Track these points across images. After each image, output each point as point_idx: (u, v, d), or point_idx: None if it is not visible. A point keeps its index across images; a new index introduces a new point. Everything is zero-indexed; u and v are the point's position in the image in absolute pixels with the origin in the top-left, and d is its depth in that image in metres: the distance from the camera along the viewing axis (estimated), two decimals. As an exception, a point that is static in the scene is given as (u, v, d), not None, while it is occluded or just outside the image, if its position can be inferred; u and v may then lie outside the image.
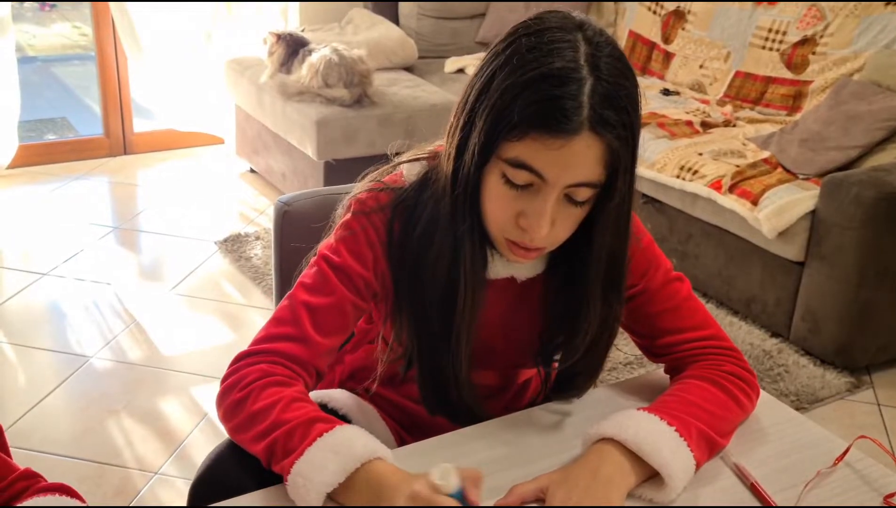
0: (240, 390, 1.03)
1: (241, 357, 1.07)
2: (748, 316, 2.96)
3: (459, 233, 1.04)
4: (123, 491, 2.11)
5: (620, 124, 0.95)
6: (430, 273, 1.06)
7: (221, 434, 1.10)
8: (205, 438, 2.28)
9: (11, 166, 3.93)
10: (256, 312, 2.97)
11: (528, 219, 0.99)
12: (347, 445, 0.95)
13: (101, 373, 2.58)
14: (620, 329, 1.18)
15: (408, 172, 1.12)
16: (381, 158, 1.19)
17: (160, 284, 3.13)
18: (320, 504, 0.93)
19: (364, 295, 1.11)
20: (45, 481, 1.01)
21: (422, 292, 1.08)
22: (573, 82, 0.93)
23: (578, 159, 0.95)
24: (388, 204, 1.09)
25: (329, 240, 1.12)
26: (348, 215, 1.11)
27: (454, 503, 0.88)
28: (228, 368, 1.07)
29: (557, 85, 0.93)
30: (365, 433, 0.99)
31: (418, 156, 1.12)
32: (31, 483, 1.00)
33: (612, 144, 0.95)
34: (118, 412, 2.40)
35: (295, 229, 1.43)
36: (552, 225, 1.00)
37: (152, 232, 3.55)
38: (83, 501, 0.99)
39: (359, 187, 1.14)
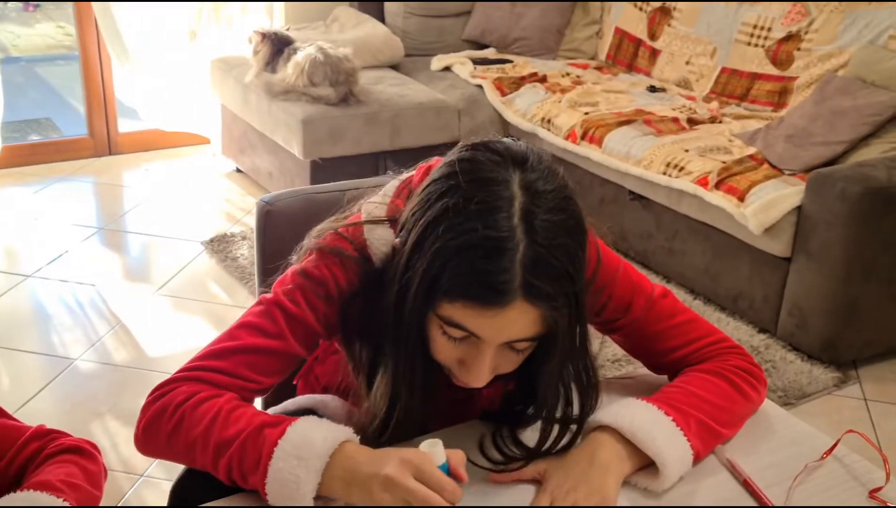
0: (169, 417, 0.98)
1: (162, 385, 1.02)
2: (735, 312, 2.97)
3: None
4: (109, 494, 2.09)
5: (556, 294, 0.92)
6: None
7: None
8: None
9: (-5, 168, 3.91)
10: (243, 312, 2.95)
11: (468, 369, 0.98)
12: (308, 445, 0.93)
13: (86, 375, 2.56)
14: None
15: (367, 214, 1.08)
16: (367, 157, 1.17)
17: (146, 285, 3.11)
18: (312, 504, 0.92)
19: (310, 346, 1.08)
20: (63, 437, 0.97)
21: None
22: (505, 253, 0.89)
23: (513, 324, 0.93)
24: (352, 260, 1.05)
25: (285, 281, 1.07)
26: (309, 261, 1.07)
27: (441, 474, 0.89)
28: (152, 392, 1.02)
29: (488, 257, 0.90)
30: (318, 421, 0.97)
31: (380, 219, 1.07)
32: (45, 442, 0.97)
33: (547, 311, 0.93)
34: (103, 414, 2.38)
35: (278, 228, 1.42)
36: (494, 369, 0.99)
37: (138, 233, 3.53)
38: (98, 458, 0.98)
39: (318, 232, 1.10)
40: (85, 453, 1.00)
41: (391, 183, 1.12)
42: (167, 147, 4.35)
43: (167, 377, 1.03)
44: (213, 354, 1.04)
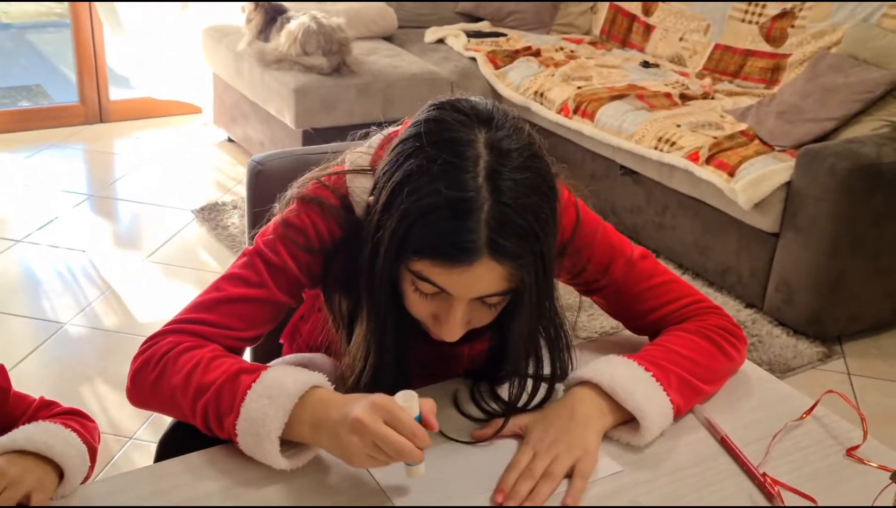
0: (153, 367, 1.00)
1: (150, 338, 1.05)
2: (723, 287, 2.99)
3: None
4: (98, 456, 2.09)
5: (522, 252, 0.93)
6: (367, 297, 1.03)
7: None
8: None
9: (-15, 133, 3.89)
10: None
11: (441, 323, 1.00)
12: (278, 386, 0.95)
13: (75, 340, 2.57)
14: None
15: (350, 163, 1.09)
16: (359, 127, 1.18)
17: (136, 252, 3.11)
18: (277, 453, 0.93)
19: (294, 293, 1.09)
20: (60, 406, 1.03)
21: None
22: (470, 213, 0.90)
23: (481, 280, 0.94)
24: (333, 210, 1.06)
25: (267, 232, 1.08)
26: (290, 211, 1.08)
27: (411, 419, 0.89)
28: (141, 345, 1.04)
29: (453, 217, 0.91)
30: (293, 368, 0.99)
31: (362, 168, 1.08)
32: (53, 408, 1.02)
33: (513, 269, 0.94)
34: (93, 378, 2.39)
35: (268, 189, 1.41)
36: (468, 323, 1.00)
37: (128, 200, 3.52)
38: (95, 423, 1.03)
39: (301, 182, 1.10)
40: (84, 416, 1.04)
41: (377, 136, 1.13)
42: (158, 116, 4.33)
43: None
44: (199, 306, 1.06)
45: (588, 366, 1.07)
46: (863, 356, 2.72)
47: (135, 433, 2.18)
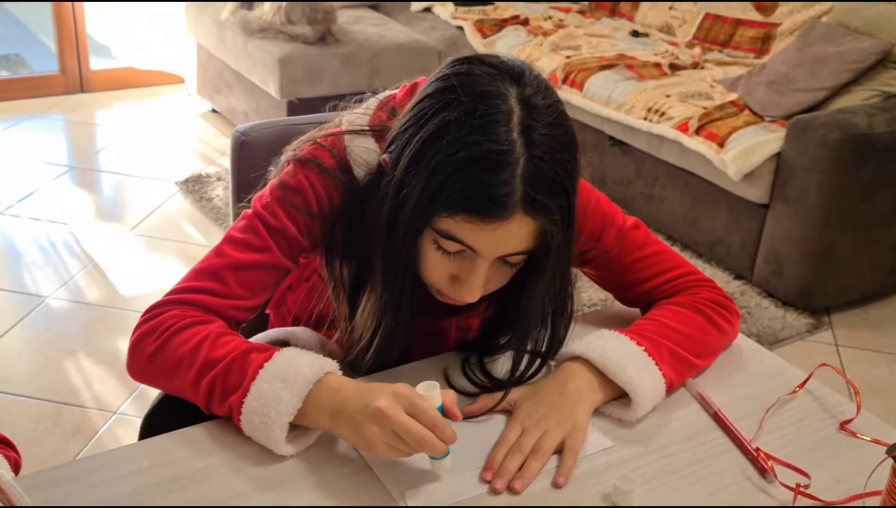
0: (156, 338, 0.98)
1: (152, 307, 1.01)
2: (712, 259, 2.98)
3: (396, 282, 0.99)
4: (82, 431, 2.08)
5: (555, 208, 0.92)
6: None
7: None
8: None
9: (-37, 104, 3.81)
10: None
11: (461, 283, 0.98)
12: (293, 370, 0.93)
13: (57, 313, 2.53)
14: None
15: (348, 124, 1.06)
16: (345, 98, 1.14)
17: (119, 224, 3.07)
18: (283, 437, 0.91)
19: (295, 257, 1.07)
20: None
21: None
22: (506, 166, 0.89)
23: (511, 237, 0.93)
24: (331, 171, 1.03)
25: (264, 196, 1.06)
26: (286, 173, 1.05)
27: (434, 410, 0.88)
28: (142, 316, 1.01)
29: (489, 170, 0.89)
30: (305, 352, 0.97)
31: (363, 128, 1.05)
32: None
33: (545, 225, 0.93)
34: (76, 352, 2.36)
35: (253, 160, 1.38)
36: (486, 284, 0.98)
37: (111, 172, 3.47)
38: (16, 454, 0.95)
39: (297, 144, 1.08)
40: (12, 447, 0.98)
41: (372, 99, 1.10)
42: (140, 86, 4.27)
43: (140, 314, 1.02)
44: (202, 273, 1.03)
45: (579, 341, 1.06)
46: (851, 328, 2.71)
47: (119, 407, 2.16)
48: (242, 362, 0.94)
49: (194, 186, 3.30)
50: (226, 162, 3.56)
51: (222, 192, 3.25)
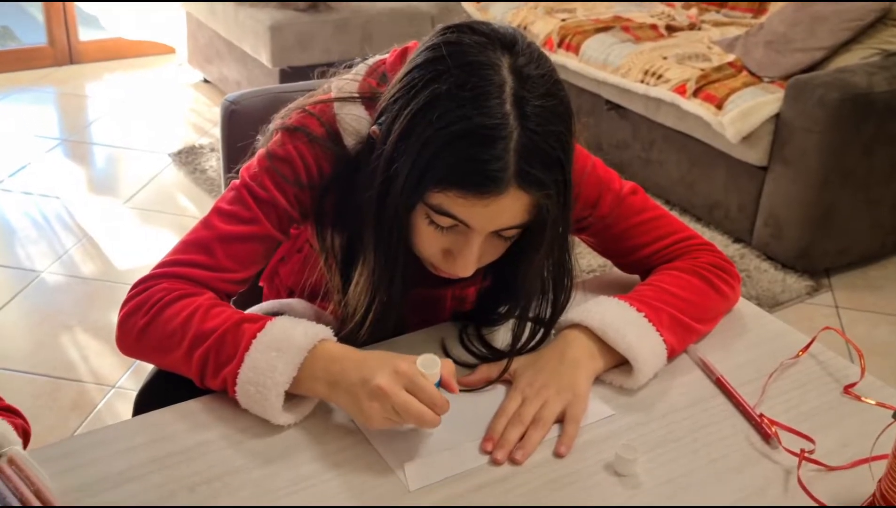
0: (145, 313, 0.96)
1: (140, 282, 1.00)
2: (711, 222, 2.96)
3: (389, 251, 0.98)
4: (80, 405, 2.07)
5: (549, 182, 0.90)
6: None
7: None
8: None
9: (-49, 77, 3.77)
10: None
11: (455, 258, 0.96)
12: (287, 338, 0.91)
13: (53, 288, 2.52)
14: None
15: (337, 91, 1.04)
16: (337, 66, 1.11)
17: (112, 197, 3.04)
18: (280, 407, 0.90)
19: (285, 229, 1.05)
20: (1, 401, 0.96)
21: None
22: (498, 141, 0.86)
23: (505, 212, 0.90)
24: (320, 140, 1.01)
25: (252, 166, 1.04)
26: (274, 142, 1.03)
27: (433, 387, 0.87)
28: (130, 291, 0.99)
29: (481, 144, 0.86)
30: (298, 320, 0.95)
31: (352, 95, 1.03)
32: None
33: (540, 198, 0.91)
34: (73, 327, 2.34)
35: (243, 129, 1.35)
36: (480, 257, 0.96)
37: (103, 144, 3.43)
38: (23, 421, 0.94)
39: (285, 113, 1.05)
40: (19, 416, 0.97)
41: (361, 64, 1.07)
42: (131, 56, 4.22)
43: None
44: (190, 246, 1.01)
45: (578, 308, 1.04)
46: (851, 289, 2.70)
47: (117, 381, 2.15)
48: (235, 333, 0.92)
49: (187, 158, 3.27)
50: (218, 133, 3.52)
51: (216, 163, 3.22)
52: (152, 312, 0.96)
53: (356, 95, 1.02)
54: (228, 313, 0.95)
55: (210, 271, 1.00)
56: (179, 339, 0.94)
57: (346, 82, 1.04)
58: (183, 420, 0.91)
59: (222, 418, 0.92)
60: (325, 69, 1.11)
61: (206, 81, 4.00)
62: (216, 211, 1.03)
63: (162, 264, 1.01)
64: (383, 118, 0.93)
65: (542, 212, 0.92)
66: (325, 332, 0.94)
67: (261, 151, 1.04)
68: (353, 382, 0.88)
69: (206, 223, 1.02)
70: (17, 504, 0.80)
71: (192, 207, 3.00)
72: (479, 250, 0.94)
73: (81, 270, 2.60)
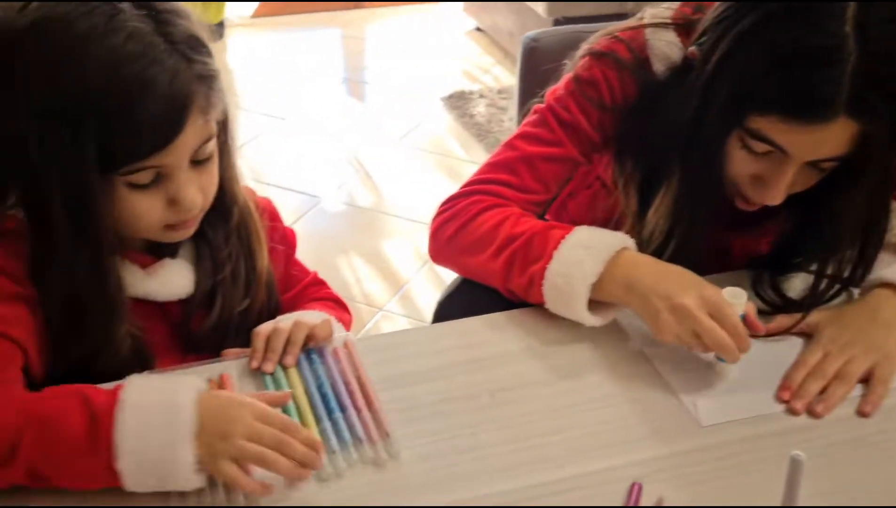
0: (455, 221, 1.03)
1: (449, 199, 1.06)
2: None
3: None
4: (351, 324, 2.23)
5: (884, 111, 0.84)
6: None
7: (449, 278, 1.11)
8: (427, 281, 2.38)
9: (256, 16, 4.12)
10: (478, 167, 2.99)
11: (765, 185, 0.93)
12: (595, 238, 0.94)
13: (331, 214, 2.72)
14: None
15: (651, 17, 1.04)
16: (612, 19, 1.12)
17: (387, 135, 3.21)
18: (585, 300, 0.92)
19: (587, 152, 1.07)
20: (328, 289, 1.09)
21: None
22: (834, 64, 0.82)
23: (828, 141, 0.86)
24: (628, 65, 1.02)
25: (557, 90, 1.06)
26: (581, 66, 1.05)
27: (737, 317, 0.87)
28: (440, 207, 1.06)
29: (815, 67, 0.82)
30: (602, 229, 0.98)
31: (665, 21, 1.03)
32: (321, 289, 1.08)
33: (869, 129, 0.85)
34: (348, 250, 2.52)
35: (541, 66, 1.39)
36: (791, 186, 0.93)
37: (377, 85, 3.63)
38: (348, 317, 1.07)
39: (594, 39, 1.07)
40: (344, 307, 1.09)
41: None
42: (411, 2, 4.39)
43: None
44: (495, 166, 1.06)
45: (889, 268, 0.98)
46: None
47: (385, 304, 2.29)
48: (544, 235, 0.96)
49: (458, 103, 3.39)
50: (489, 80, 3.61)
51: (485, 109, 3.30)
52: (462, 220, 1.02)
53: (670, 21, 1.02)
54: (536, 221, 1.00)
55: (515, 191, 1.05)
56: (488, 242, 0.99)
57: (660, 10, 1.05)
58: (490, 329, 0.97)
59: (529, 331, 0.97)
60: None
61: (478, 29, 4.10)
62: (521, 134, 1.07)
63: (469, 183, 1.07)
64: (704, 39, 0.92)
65: (868, 145, 0.87)
66: (629, 241, 0.96)
67: (567, 76, 1.07)
68: (653, 292, 0.89)
69: (510, 145, 1.07)
70: (341, 382, 0.89)
71: (460, 150, 3.11)
72: (791, 179, 0.91)
73: (357, 200, 2.79)
